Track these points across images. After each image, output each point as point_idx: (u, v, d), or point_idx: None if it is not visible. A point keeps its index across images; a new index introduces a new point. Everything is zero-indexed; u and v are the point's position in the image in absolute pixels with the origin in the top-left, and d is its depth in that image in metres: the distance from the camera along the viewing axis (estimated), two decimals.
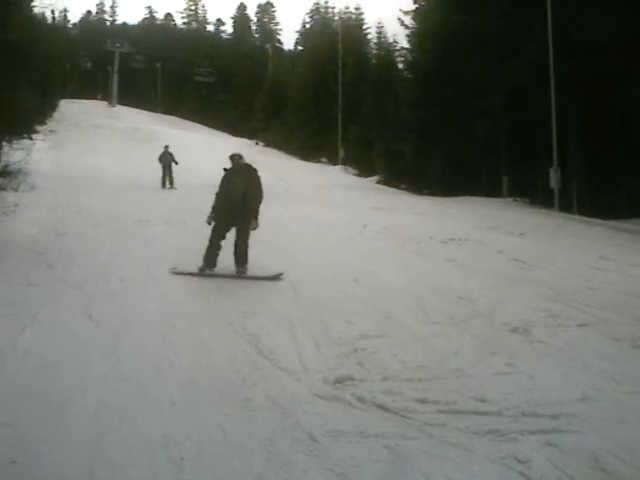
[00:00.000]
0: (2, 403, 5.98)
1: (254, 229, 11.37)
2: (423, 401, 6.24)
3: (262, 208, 11.61)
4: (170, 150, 26.74)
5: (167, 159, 26.57)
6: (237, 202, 11.36)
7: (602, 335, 8.32)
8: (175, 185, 25.75)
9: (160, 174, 25.80)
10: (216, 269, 11.39)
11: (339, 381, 6.69)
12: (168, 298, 6.89)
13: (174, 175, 25.98)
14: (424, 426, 5.77)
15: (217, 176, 12.29)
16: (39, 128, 37.84)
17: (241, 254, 11.35)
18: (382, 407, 6.13)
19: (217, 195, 11.69)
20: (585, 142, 24.67)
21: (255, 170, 11.67)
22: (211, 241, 11.35)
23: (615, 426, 5.87)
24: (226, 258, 11.38)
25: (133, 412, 5.87)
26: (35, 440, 5.34)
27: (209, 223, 11.51)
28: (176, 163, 26.40)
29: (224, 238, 11.51)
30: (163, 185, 25.78)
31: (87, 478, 4.85)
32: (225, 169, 11.86)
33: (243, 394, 6.36)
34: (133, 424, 5.66)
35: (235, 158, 11.94)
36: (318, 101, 51.52)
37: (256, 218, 11.34)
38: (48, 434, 5.44)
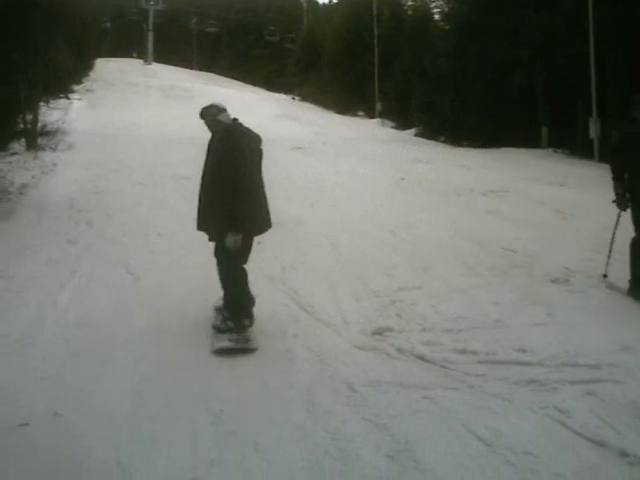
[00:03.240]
0: (43, 358, 6.05)
1: (232, 247, 6.41)
2: (462, 352, 6.23)
3: (298, 162, 10.36)
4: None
5: None
6: (202, 196, 6.71)
7: None
8: None
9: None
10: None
11: (378, 332, 6.69)
12: (208, 252, 6.85)
13: None
14: (464, 376, 5.76)
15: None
16: (76, 87, 37.93)
17: (224, 299, 6.84)
18: (421, 358, 6.13)
19: (201, 183, 6.86)
20: (625, 92, 24.23)
21: (229, 135, 6.58)
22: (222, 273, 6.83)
23: None
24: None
25: (174, 364, 5.92)
26: (77, 393, 5.40)
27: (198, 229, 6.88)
28: None
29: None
30: None
31: (128, 430, 4.90)
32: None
33: (284, 346, 6.38)
34: (173, 376, 5.71)
35: (206, 114, 6.80)
36: (354, 54, 50.95)
37: (234, 228, 6.37)
38: (89, 387, 5.50)
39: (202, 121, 6.79)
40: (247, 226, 6.49)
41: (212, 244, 6.74)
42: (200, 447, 4.69)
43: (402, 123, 41.37)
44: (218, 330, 6.60)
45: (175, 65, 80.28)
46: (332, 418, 5.07)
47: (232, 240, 6.38)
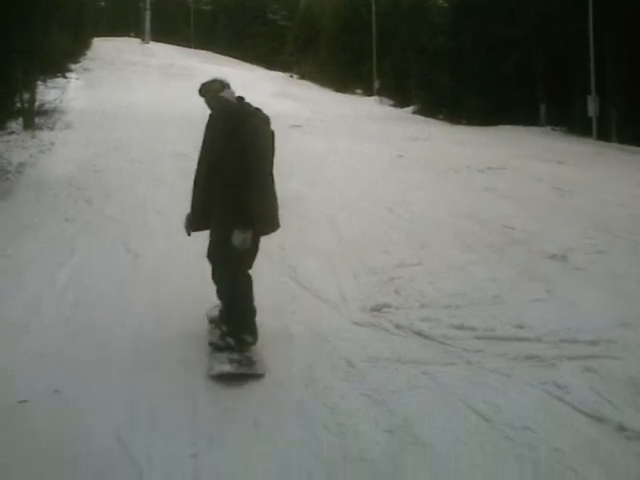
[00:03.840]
0: (43, 335, 6.07)
1: (240, 247, 5.47)
2: (461, 327, 6.24)
3: (296, 140, 10.33)
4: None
5: None
6: (200, 187, 5.87)
7: None
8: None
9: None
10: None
11: (376, 309, 6.70)
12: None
13: None
14: (462, 352, 5.78)
15: None
16: (73, 67, 37.74)
17: (224, 311, 5.87)
18: (420, 334, 6.14)
19: (196, 172, 5.98)
20: (624, 69, 24.21)
21: (236, 115, 5.69)
22: (213, 277, 5.98)
23: None
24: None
25: (173, 345, 5.93)
26: (76, 371, 5.41)
27: (188, 234, 6.09)
28: None
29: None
30: None
31: (127, 407, 4.91)
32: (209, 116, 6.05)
33: (282, 323, 6.39)
34: (172, 355, 5.71)
35: (208, 90, 5.85)
36: (351, 31, 50.78)
37: (244, 224, 5.45)
38: (89, 365, 5.51)
39: (202, 99, 5.83)
40: (257, 222, 5.54)
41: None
42: (199, 424, 4.71)
43: (400, 101, 41.30)
44: (216, 348, 5.66)
45: (173, 44, 79.86)
46: (331, 394, 5.09)
47: (241, 238, 5.40)
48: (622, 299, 7.02)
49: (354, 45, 50.03)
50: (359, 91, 50.39)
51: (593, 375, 5.40)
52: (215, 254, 5.78)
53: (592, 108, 24.27)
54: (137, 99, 28.91)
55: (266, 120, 5.81)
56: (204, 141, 5.88)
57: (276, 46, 73.17)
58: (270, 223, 5.82)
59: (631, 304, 6.86)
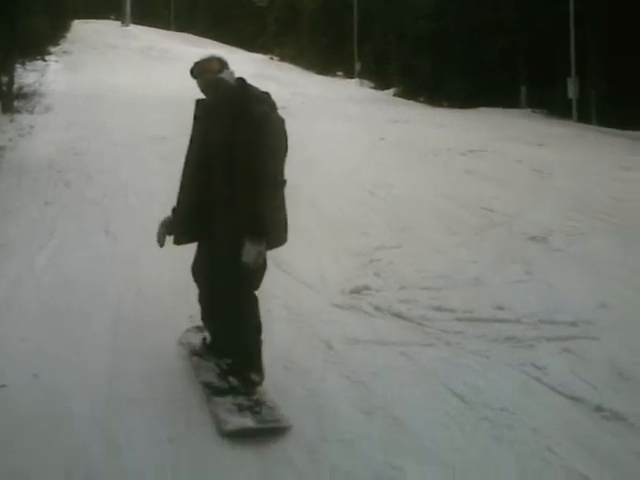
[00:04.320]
0: (21, 319, 6.03)
1: (253, 263, 4.55)
2: (440, 309, 6.27)
3: None
4: None
5: None
6: (194, 189, 4.90)
7: (621, 244, 8.29)
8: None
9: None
10: None
11: (356, 291, 6.71)
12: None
13: None
14: (441, 334, 5.80)
15: None
16: (52, 49, 37.39)
17: (213, 329, 5.13)
18: (399, 315, 6.16)
19: (183, 174, 5.02)
20: (604, 51, 24.23)
21: (254, 99, 4.77)
22: (200, 299, 5.19)
23: (633, 333, 5.91)
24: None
25: (152, 327, 5.90)
26: (55, 355, 5.38)
27: (161, 244, 5.19)
28: None
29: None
30: None
31: (107, 391, 4.89)
32: (197, 103, 5.05)
33: (263, 306, 6.35)
34: (151, 337, 5.69)
35: (204, 71, 4.84)
36: (333, 14, 50.59)
37: (258, 233, 4.53)
38: (68, 348, 5.48)
39: (195, 80, 4.87)
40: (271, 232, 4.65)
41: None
42: (178, 406, 4.69)
43: (381, 83, 41.21)
44: (215, 391, 4.72)
45: (153, 27, 79.42)
46: (310, 376, 5.09)
47: (254, 252, 4.49)
48: (601, 281, 7.08)
49: (335, 28, 49.83)
50: (340, 73, 50.22)
51: (572, 356, 5.45)
52: (220, 273, 4.72)
53: (572, 90, 24.27)
54: (118, 82, 28.67)
55: (274, 106, 4.84)
56: (195, 134, 4.93)
57: (257, 29, 72.85)
58: (283, 234, 4.87)
59: (610, 286, 6.92)
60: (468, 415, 4.63)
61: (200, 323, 5.33)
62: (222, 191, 4.68)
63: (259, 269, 4.73)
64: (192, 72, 4.85)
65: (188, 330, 5.52)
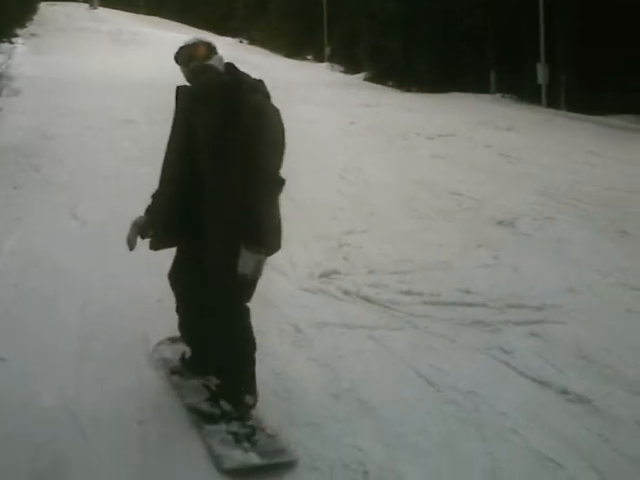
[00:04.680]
0: None
1: (253, 274, 4.09)
2: (408, 293, 6.29)
3: None
4: None
5: None
6: (197, 186, 4.18)
7: (588, 228, 8.37)
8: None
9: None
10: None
11: (325, 275, 6.72)
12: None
13: None
14: (409, 317, 5.83)
15: None
16: (19, 32, 36.96)
17: (197, 344, 4.64)
18: (367, 299, 6.18)
19: (162, 171, 4.51)
20: (574, 37, 24.31)
21: (248, 88, 4.21)
22: (179, 309, 4.70)
23: (599, 317, 5.96)
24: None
25: (120, 310, 5.88)
26: (22, 338, 5.36)
27: (131, 247, 4.67)
28: None
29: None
30: None
31: (75, 374, 4.88)
32: (179, 91, 4.42)
33: None
34: (119, 322, 5.67)
35: (190, 57, 4.39)
36: None
37: (257, 240, 4.03)
38: (35, 331, 5.47)
39: (180, 68, 4.43)
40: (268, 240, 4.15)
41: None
42: (146, 391, 4.68)
43: (351, 67, 41.14)
44: (206, 418, 4.21)
45: (121, 10, 78.72)
46: (278, 359, 5.10)
47: (254, 262, 4.01)
48: (568, 265, 7.14)
49: (305, 11, 49.63)
50: (310, 57, 50.08)
51: (538, 340, 5.50)
52: (212, 283, 4.22)
53: (541, 75, 24.34)
54: (87, 65, 28.41)
55: (269, 95, 4.27)
56: (178, 127, 4.35)
57: (226, 12, 72.41)
58: (278, 239, 4.35)
59: (576, 270, 6.97)
60: (434, 398, 4.66)
61: (173, 334, 4.99)
62: (212, 191, 4.10)
63: (256, 279, 4.20)
64: (177, 59, 4.40)
65: (160, 343, 5.08)
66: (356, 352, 5.23)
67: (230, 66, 4.34)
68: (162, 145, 4.46)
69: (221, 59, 4.36)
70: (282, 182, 4.28)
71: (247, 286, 4.21)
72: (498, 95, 27.20)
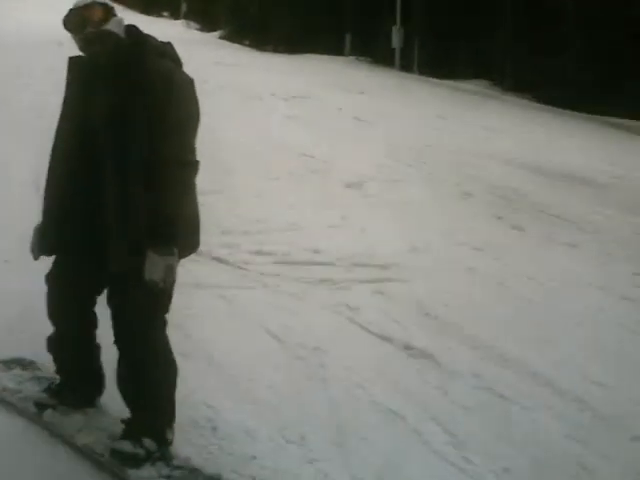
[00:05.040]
0: None
1: (158, 280, 3.32)
2: (259, 253, 6.38)
3: None
4: None
5: None
6: (95, 176, 3.42)
7: (433, 190, 8.65)
8: None
9: None
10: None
11: None
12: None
13: None
14: (260, 277, 5.92)
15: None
16: None
17: (138, 391, 3.60)
18: (218, 259, 6.22)
19: (52, 160, 3.63)
20: (431, 3, 24.67)
21: (155, 53, 3.53)
22: (55, 325, 3.76)
23: (442, 275, 6.22)
24: None
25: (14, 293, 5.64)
26: None
27: (35, 257, 3.68)
28: None
29: (90, 307, 3.77)
30: None
31: None
32: (71, 62, 3.64)
33: None
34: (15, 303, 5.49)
35: (84, 22, 3.45)
36: None
37: (166, 239, 3.33)
38: None
39: (70, 35, 3.56)
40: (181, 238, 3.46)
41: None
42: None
43: (207, 25, 40.64)
44: (127, 461, 3.47)
45: None
46: None
47: (163, 266, 3.33)
48: (413, 226, 7.37)
49: None
50: (166, 14, 49.14)
51: (383, 297, 5.71)
52: (119, 298, 3.54)
53: (396, 39, 24.62)
54: None
55: (179, 62, 3.64)
56: (70, 107, 3.59)
57: None
58: (196, 236, 3.72)
59: (421, 230, 7.22)
60: (283, 354, 4.77)
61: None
62: (113, 181, 3.38)
63: (170, 287, 3.50)
64: (66, 25, 3.52)
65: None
66: (206, 311, 5.27)
67: (132, 29, 3.59)
68: None
69: (120, 22, 3.55)
70: (196, 165, 3.50)
71: (160, 296, 3.48)
72: (352, 58, 27.39)
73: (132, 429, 3.55)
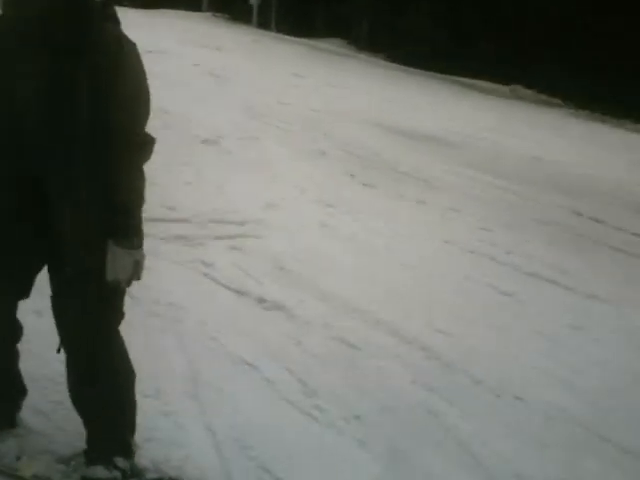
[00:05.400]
0: None
1: (124, 277, 2.98)
2: None
3: None
4: None
5: None
6: (29, 164, 2.80)
7: (290, 148, 8.72)
8: None
9: None
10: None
11: None
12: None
13: None
14: None
15: None
16: None
17: (104, 405, 3.08)
18: None
19: None
20: None
21: (102, 16, 2.86)
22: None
23: (296, 231, 6.35)
24: None
25: None
26: None
27: None
28: None
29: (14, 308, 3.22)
30: None
31: None
32: None
33: None
34: None
35: None
36: None
37: (130, 231, 2.97)
38: None
39: None
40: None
41: None
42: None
43: None
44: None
45: None
46: None
47: (130, 261, 3.00)
48: (268, 182, 7.44)
49: None
50: None
51: (238, 253, 5.78)
52: (77, 302, 3.00)
53: None
54: None
55: (120, 23, 3.03)
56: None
57: None
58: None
59: (276, 187, 7.31)
60: (137, 311, 4.69)
61: None
62: (57, 169, 2.83)
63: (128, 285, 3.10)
64: None
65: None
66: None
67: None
68: None
69: None
70: (152, 142, 3.05)
71: (120, 295, 3.12)
72: (209, 14, 27.13)
73: (101, 450, 3.07)
